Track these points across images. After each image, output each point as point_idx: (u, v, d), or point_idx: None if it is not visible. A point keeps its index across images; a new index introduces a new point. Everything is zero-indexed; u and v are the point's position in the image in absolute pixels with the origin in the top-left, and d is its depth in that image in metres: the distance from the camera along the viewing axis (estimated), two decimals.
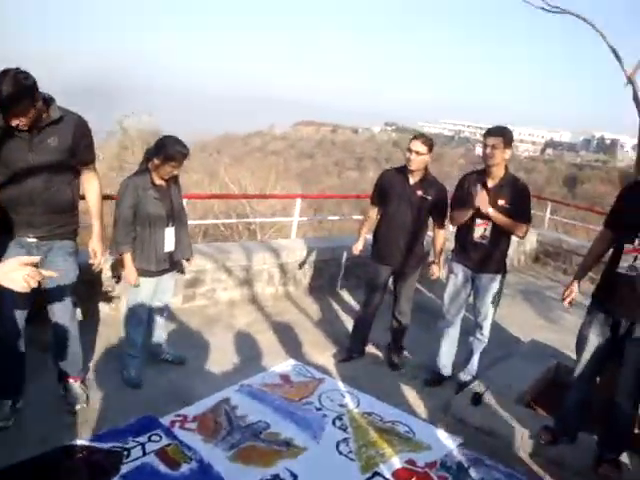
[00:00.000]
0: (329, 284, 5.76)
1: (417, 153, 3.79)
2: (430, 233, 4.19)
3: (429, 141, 3.84)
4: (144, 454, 2.87)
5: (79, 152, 2.91)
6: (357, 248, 4.22)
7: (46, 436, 2.86)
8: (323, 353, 4.32)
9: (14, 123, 2.60)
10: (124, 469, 2.74)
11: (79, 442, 2.88)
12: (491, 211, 3.55)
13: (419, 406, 3.72)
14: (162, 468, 2.78)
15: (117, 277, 4.18)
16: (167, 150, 3.27)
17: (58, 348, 3.11)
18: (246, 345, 4.26)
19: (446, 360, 4.04)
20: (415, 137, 3.86)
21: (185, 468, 2.80)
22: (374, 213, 4.19)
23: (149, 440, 2.98)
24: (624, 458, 3.15)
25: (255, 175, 25.65)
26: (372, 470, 2.98)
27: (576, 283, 3.20)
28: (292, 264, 5.47)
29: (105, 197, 3.56)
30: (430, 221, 4.10)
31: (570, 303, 3.21)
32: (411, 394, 3.87)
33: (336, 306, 5.41)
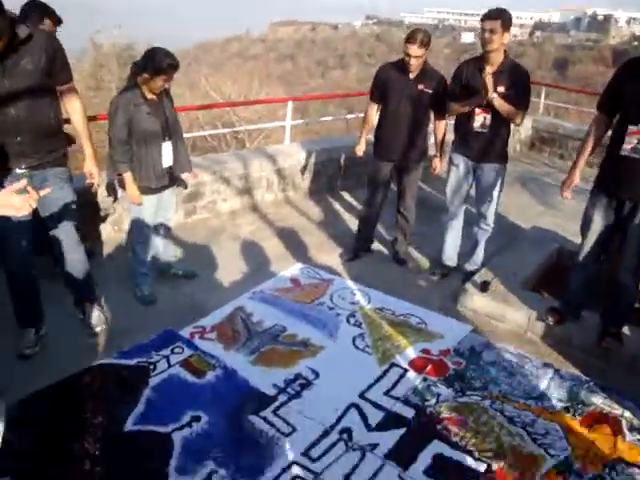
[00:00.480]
0: (328, 186, 5.72)
1: (416, 57, 3.65)
2: (432, 126, 4.10)
3: (425, 39, 3.64)
4: (169, 366, 2.96)
5: (55, 71, 2.74)
6: (360, 149, 4.16)
7: (73, 359, 2.93)
8: (329, 254, 4.36)
9: None
10: (152, 382, 2.84)
11: (106, 360, 2.97)
12: (495, 97, 3.46)
13: (428, 298, 3.82)
14: (189, 377, 2.88)
15: (114, 196, 4.14)
16: (157, 63, 3.12)
17: (69, 274, 3.11)
18: (253, 253, 4.30)
19: (451, 252, 4.10)
20: (409, 40, 3.65)
21: (211, 375, 2.91)
22: (374, 110, 4.09)
23: (172, 352, 3.06)
24: (626, 331, 3.27)
25: (237, 82, 24.94)
26: (389, 361, 3.10)
27: (577, 171, 3.18)
28: (289, 169, 5.41)
29: (89, 118, 3.43)
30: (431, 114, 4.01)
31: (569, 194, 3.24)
32: (420, 287, 3.97)
33: (337, 207, 5.41)
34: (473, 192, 3.94)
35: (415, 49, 3.63)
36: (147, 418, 2.59)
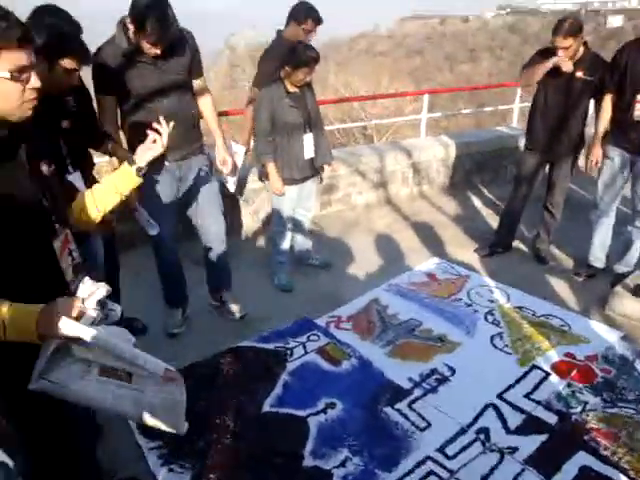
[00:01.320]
0: (465, 180, 5.58)
1: (565, 49, 3.44)
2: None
3: (571, 28, 3.40)
4: (305, 353, 3.04)
5: (194, 66, 2.89)
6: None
7: (214, 340, 3.10)
8: (466, 250, 4.25)
9: (154, 51, 2.57)
10: (290, 366, 2.93)
11: (246, 343, 3.11)
12: None
13: (572, 300, 3.59)
14: (325, 365, 2.94)
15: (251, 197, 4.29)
16: (298, 56, 3.22)
17: (211, 263, 3.26)
18: (388, 246, 4.30)
19: (599, 252, 3.82)
20: (554, 32, 3.45)
21: (346, 364, 2.94)
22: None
23: (308, 340, 3.14)
24: None
25: (366, 79, 25.07)
26: (530, 363, 2.95)
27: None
28: (425, 163, 5.34)
29: (221, 114, 3.57)
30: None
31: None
32: (562, 288, 3.74)
33: (474, 202, 5.26)
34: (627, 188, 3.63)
35: (560, 40, 3.42)
36: (284, 401, 2.67)
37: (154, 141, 1.83)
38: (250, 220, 4.60)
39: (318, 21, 3.77)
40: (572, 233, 4.25)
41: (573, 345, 3.10)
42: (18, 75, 1.25)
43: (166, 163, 2.87)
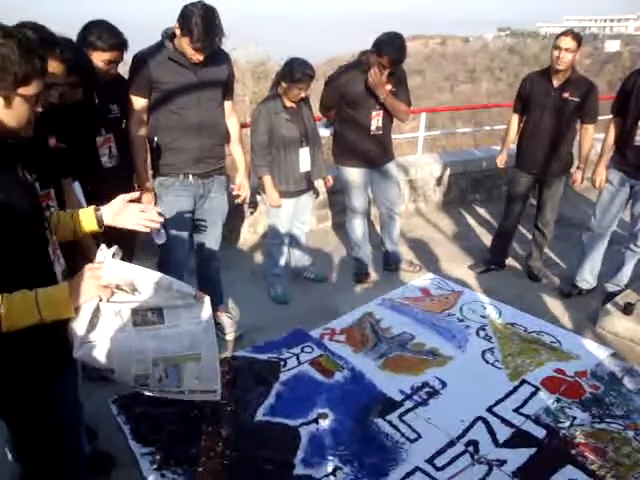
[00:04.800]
0: (460, 199, 5.65)
1: (567, 50, 3.51)
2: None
3: (578, 36, 3.56)
4: (299, 363, 3.08)
5: (229, 85, 2.98)
6: (501, 160, 4.10)
7: None
8: (460, 266, 4.30)
9: (197, 56, 2.63)
10: (283, 377, 2.97)
11: (240, 353, 3.15)
12: None
13: (563, 317, 3.64)
14: (317, 376, 2.98)
15: (253, 204, 4.36)
16: (293, 73, 3.30)
17: (203, 279, 3.28)
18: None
19: (588, 275, 3.86)
20: (563, 33, 3.59)
21: (339, 376, 2.98)
22: (516, 121, 3.99)
23: (302, 351, 3.18)
24: None
25: None
26: (520, 378, 2.99)
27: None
28: (421, 180, 5.40)
29: None
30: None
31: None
32: (554, 305, 3.79)
33: (469, 220, 5.32)
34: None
35: (568, 40, 3.51)
36: (276, 411, 2.70)
37: (131, 201, 1.72)
38: (247, 232, 4.65)
39: (395, 62, 3.46)
40: (566, 251, 4.32)
41: (563, 361, 3.14)
42: (35, 99, 1.37)
43: (190, 179, 2.89)
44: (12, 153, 1.42)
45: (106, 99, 2.63)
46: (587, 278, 3.88)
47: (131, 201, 1.71)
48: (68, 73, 2.06)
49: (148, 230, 1.72)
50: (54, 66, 1.95)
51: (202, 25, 2.52)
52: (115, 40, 2.53)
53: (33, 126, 1.44)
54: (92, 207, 1.71)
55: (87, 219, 1.70)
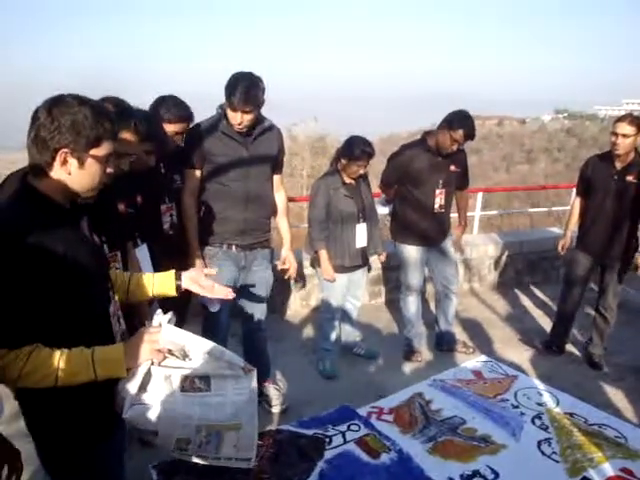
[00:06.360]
0: (515, 280, 5.54)
1: (623, 136, 3.51)
2: None
3: (636, 120, 3.54)
4: (345, 442, 2.97)
5: (279, 160, 3.07)
6: (564, 245, 4.06)
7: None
8: (515, 350, 4.17)
9: (239, 120, 2.72)
10: (327, 454, 2.87)
11: (285, 427, 3.09)
12: None
13: (628, 410, 3.43)
14: (363, 456, 2.86)
15: (302, 279, 4.39)
16: (353, 150, 3.39)
17: (251, 350, 3.28)
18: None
19: None
20: (620, 119, 3.60)
21: (385, 458, 2.86)
22: (579, 204, 3.96)
23: (348, 429, 3.08)
24: None
25: None
26: (580, 475, 2.78)
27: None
28: (476, 259, 5.35)
29: None
30: None
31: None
32: (617, 396, 3.58)
33: (525, 302, 5.19)
34: None
35: (624, 126, 3.52)
36: None
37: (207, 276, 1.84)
38: (299, 305, 4.67)
39: (468, 136, 3.60)
40: (629, 338, 4.13)
41: (630, 460, 2.92)
42: (106, 160, 1.45)
43: (233, 249, 2.96)
44: (79, 213, 1.51)
45: (171, 169, 2.78)
46: None
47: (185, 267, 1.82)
48: (141, 141, 2.18)
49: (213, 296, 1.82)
50: (128, 136, 2.09)
51: (242, 89, 2.63)
52: (183, 113, 2.73)
53: (105, 187, 1.52)
54: (172, 272, 1.80)
55: (164, 283, 1.79)
